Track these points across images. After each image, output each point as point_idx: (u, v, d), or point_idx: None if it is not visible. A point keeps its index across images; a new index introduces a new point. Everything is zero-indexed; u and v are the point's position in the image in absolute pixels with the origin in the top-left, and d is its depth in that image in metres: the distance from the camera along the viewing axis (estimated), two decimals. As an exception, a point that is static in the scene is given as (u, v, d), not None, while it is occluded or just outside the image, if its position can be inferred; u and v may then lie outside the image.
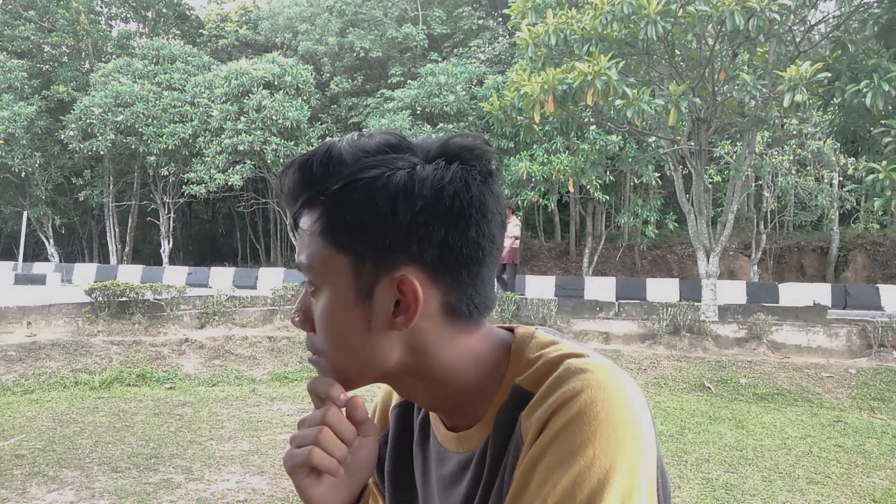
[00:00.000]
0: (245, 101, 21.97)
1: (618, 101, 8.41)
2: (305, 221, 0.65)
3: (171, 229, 26.70)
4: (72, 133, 23.15)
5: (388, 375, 0.67)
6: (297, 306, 0.69)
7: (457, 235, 0.62)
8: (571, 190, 17.28)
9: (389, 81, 24.93)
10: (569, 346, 0.66)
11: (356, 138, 0.65)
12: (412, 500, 0.78)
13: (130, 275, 20.27)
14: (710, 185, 12.63)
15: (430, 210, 0.61)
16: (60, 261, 26.99)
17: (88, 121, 22.91)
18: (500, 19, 26.83)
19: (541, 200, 19.66)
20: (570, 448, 0.55)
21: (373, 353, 0.65)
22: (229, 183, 22.31)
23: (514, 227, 10.19)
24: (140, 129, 22.98)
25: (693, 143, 10.08)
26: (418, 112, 21.23)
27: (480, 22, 27.07)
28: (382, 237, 0.61)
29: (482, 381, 0.68)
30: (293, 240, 0.82)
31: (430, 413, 0.76)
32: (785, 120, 11.58)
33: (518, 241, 10.44)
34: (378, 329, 0.64)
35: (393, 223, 0.61)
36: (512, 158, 18.92)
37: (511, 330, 0.72)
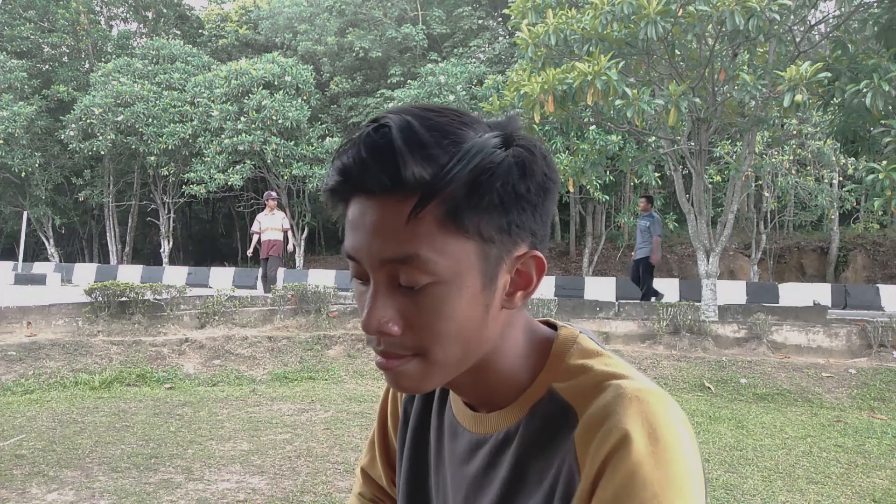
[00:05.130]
0: (245, 101, 21.98)
1: (618, 101, 8.40)
2: (428, 211, 0.57)
3: (171, 229, 26.71)
4: (72, 133, 23.17)
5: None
6: (389, 312, 0.60)
7: (551, 208, 0.64)
8: (571, 190, 17.24)
9: (389, 81, 24.94)
10: (615, 363, 0.65)
11: (424, 112, 0.59)
12: (425, 469, 0.78)
13: (130, 275, 20.28)
14: (710, 185, 12.62)
15: (543, 185, 0.61)
16: (60, 261, 27.00)
17: (88, 121, 22.92)
18: (500, 19, 26.82)
19: (541, 200, 19.63)
20: None
21: (484, 338, 0.63)
22: (229, 183, 22.31)
23: (284, 219, 11.09)
24: (140, 129, 23.00)
25: (693, 143, 10.08)
26: (418, 112, 21.23)
27: (480, 22, 27.08)
28: (513, 216, 0.60)
29: (516, 371, 0.67)
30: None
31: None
32: (785, 120, 11.58)
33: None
34: (492, 311, 0.62)
35: (523, 200, 0.60)
36: (512, 158, 18.87)
37: (551, 325, 0.72)
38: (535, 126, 9.55)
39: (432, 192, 0.56)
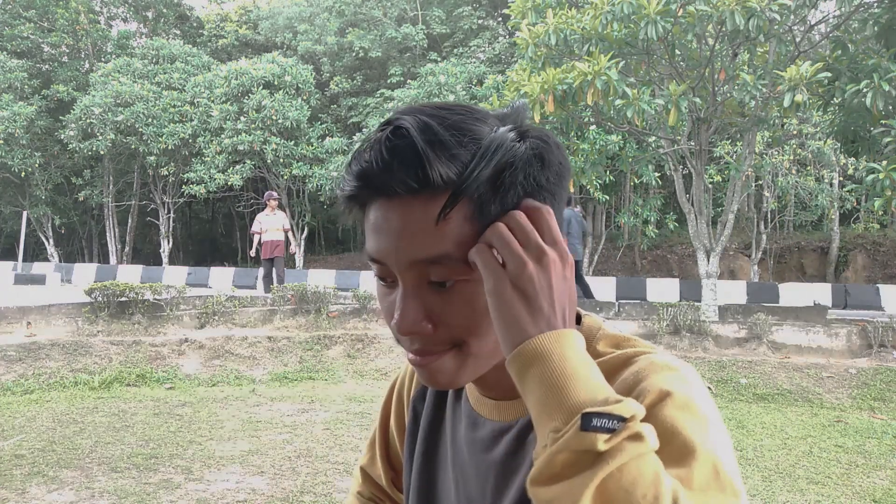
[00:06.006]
0: (245, 101, 21.97)
1: (618, 101, 8.40)
2: (456, 210, 0.57)
3: (170, 229, 26.71)
4: (72, 133, 23.15)
5: None
6: (421, 312, 0.60)
7: (566, 195, 0.65)
8: (571, 190, 17.24)
9: (389, 81, 24.93)
10: (642, 344, 0.65)
11: (437, 111, 0.59)
12: (438, 465, 0.78)
13: (130, 275, 20.28)
14: (710, 185, 12.63)
15: (559, 172, 0.62)
16: (60, 261, 26.99)
17: (88, 121, 22.91)
18: (500, 19, 26.81)
19: (541, 200, 19.62)
20: (685, 445, 0.52)
21: None
22: (229, 183, 22.32)
23: (284, 219, 11.15)
24: (140, 129, 22.99)
25: (693, 143, 10.08)
26: (418, 112, 21.22)
27: (480, 22, 27.05)
28: None
29: None
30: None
31: None
32: (785, 120, 11.58)
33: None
34: None
35: (544, 190, 0.60)
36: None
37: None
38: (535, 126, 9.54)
39: (460, 191, 0.56)
